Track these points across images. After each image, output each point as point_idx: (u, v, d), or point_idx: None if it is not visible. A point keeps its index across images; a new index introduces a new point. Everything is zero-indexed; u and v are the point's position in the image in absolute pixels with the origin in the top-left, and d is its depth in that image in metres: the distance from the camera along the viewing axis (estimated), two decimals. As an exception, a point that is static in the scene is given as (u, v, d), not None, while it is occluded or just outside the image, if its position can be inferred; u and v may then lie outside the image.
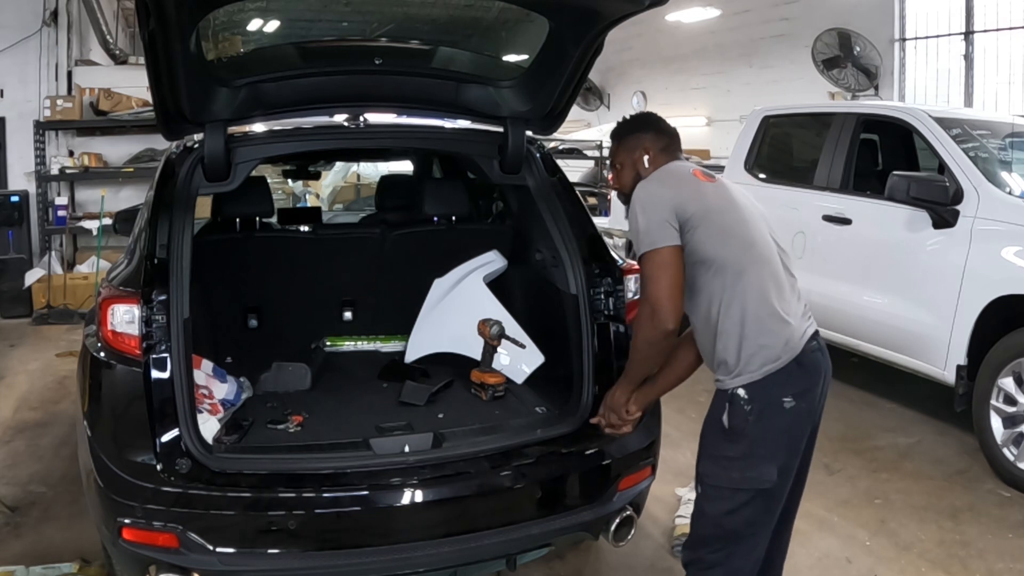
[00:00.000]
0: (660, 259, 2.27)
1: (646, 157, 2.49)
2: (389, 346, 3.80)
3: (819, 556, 3.37)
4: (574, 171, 11.08)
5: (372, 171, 9.69)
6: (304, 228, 4.48)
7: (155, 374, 2.47)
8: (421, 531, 2.55)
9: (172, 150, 3.07)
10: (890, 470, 4.23)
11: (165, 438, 2.45)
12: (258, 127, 3.10)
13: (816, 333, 2.41)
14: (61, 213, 7.85)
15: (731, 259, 2.30)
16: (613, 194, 8.01)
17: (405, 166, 5.83)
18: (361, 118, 3.17)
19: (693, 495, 3.68)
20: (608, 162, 10.97)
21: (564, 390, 3.00)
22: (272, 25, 3.40)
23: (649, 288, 2.29)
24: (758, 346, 2.27)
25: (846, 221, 5.04)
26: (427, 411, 3.08)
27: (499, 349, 3.26)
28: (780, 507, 2.43)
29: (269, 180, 4.22)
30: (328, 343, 3.79)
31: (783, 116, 6.13)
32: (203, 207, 3.35)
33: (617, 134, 2.61)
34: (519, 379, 3.30)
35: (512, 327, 3.32)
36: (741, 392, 2.27)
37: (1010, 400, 4.04)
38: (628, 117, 2.64)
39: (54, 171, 7.84)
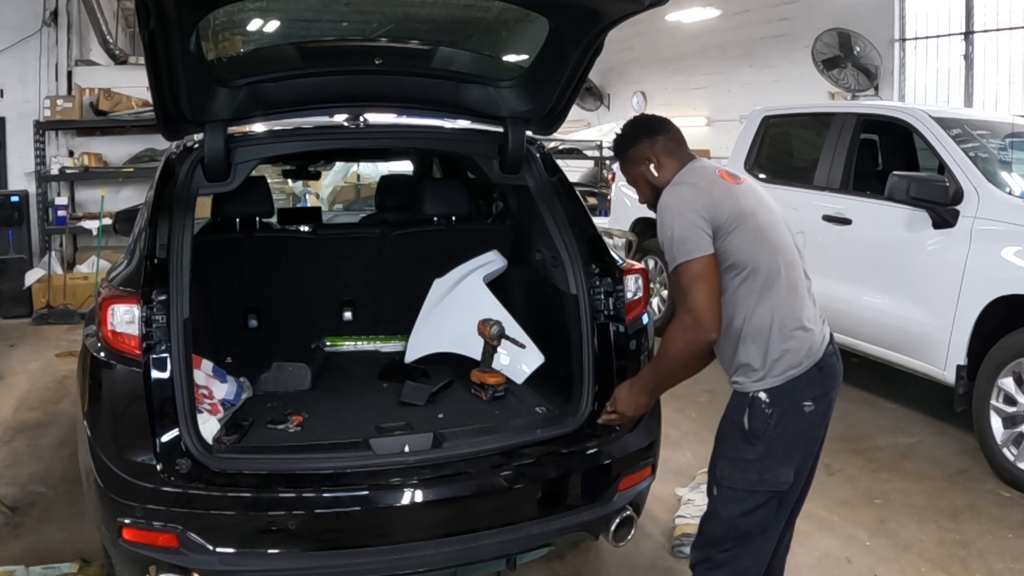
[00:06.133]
0: (697, 270, 2.20)
1: (652, 166, 2.42)
2: (389, 346, 3.80)
3: (819, 556, 3.37)
4: (574, 171, 11.09)
5: (372, 171, 9.69)
6: (304, 228, 4.48)
7: (155, 374, 2.47)
8: (421, 531, 2.55)
9: (172, 150, 3.07)
10: (890, 470, 4.23)
11: (165, 438, 2.45)
12: (258, 127, 3.10)
13: (832, 337, 2.41)
14: (61, 213, 7.85)
15: (762, 264, 2.27)
16: (613, 194, 8.04)
17: (405, 166, 5.82)
18: (361, 118, 3.16)
19: (693, 495, 3.71)
20: (608, 162, 11.06)
21: (564, 390, 3.00)
22: (272, 25, 3.40)
23: (690, 300, 2.21)
24: (783, 351, 2.26)
25: (846, 221, 5.04)
26: (427, 411, 3.08)
27: (499, 349, 3.26)
28: (790, 508, 2.44)
29: (269, 180, 4.22)
30: (328, 343, 3.79)
31: (783, 116, 6.13)
32: (203, 207, 3.35)
33: (616, 154, 2.56)
34: (519, 379, 3.29)
35: (512, 327, 3.32)
36: (763, 396, 2.26)
37: (1010, 400, 4.04)
38: (619, 131, 2.55)
39: (54, 171, 7.84)
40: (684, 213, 2.24)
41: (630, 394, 2.50)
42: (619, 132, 2.55)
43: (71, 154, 8.13)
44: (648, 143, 2.44)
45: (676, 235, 2.22)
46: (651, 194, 2.45)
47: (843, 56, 9.41)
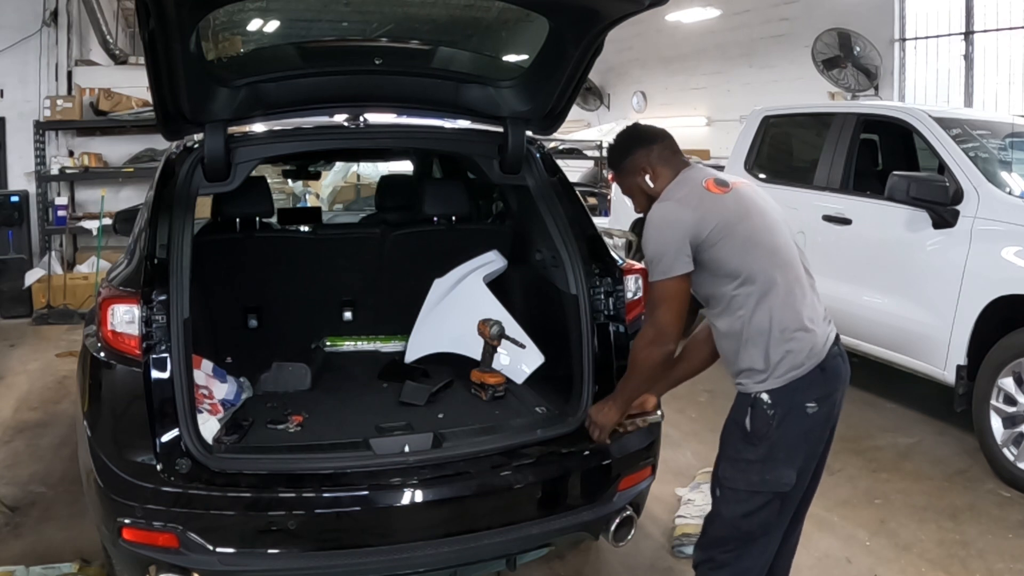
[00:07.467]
0: (667, 290, 2.29)
1: (647, 176, 2.44)
2: (389, 346, 3.80)
3: (819, 556, 3.37)
4: (574, 171, 11.08)
5: (372, 171, 9.69)
6: (304, 228, 4.48)
7: (155, 374, 2.47)
8: (421, 531, 2.55)
9: (172, 150, 3.07)
10: (890, 470, 4.23)
11: (165, 438, 2.45)
12: (258, 127, 3.10)
13: (837, 338, 2.41)
14: (61, 213, 7.85)
15: (757, 270, 2.28)
16: (613, 194, 8.04)
17: (405, 166, 5.82)
18: (361, 118, 3.17)
19: (693, 495, 3.71)
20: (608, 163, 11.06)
21: (564, 390, 3.00)
22: (272, 25, 3.40)
23: (657, 314, 2.31)
24: (784, 352, 2.27)
25: (846, 221, 5.04)
26: (427, 411, 3.08)
27: (499, 349, 3.26)
28: (793, 509, 2.44)
29: (269, 180, 4.22)
30: (328, 343, 3.79)
31: (783, 116, 6.13)
32: (203, 207, 3.35)
33: (611, 165, 2.57)
34: (519, 379, 3.30)
35: (512, 327, 3.32)
36: (765, 397, 2.27)
37: (1010, 400, 4.03)
38: (612, 142, 2.56)
39: (54, 171, 7.84)
40: (664, 232, 2.29)
41: (601, 404, 2.61)
42: (613, 143, 2.56)
43: (71, 154, 8.12)
44: (644, 153, 2.45)
45: (657, 253, 2.29)
46: (647, 203, 2.46)
47: (843, 56, 9.41)
